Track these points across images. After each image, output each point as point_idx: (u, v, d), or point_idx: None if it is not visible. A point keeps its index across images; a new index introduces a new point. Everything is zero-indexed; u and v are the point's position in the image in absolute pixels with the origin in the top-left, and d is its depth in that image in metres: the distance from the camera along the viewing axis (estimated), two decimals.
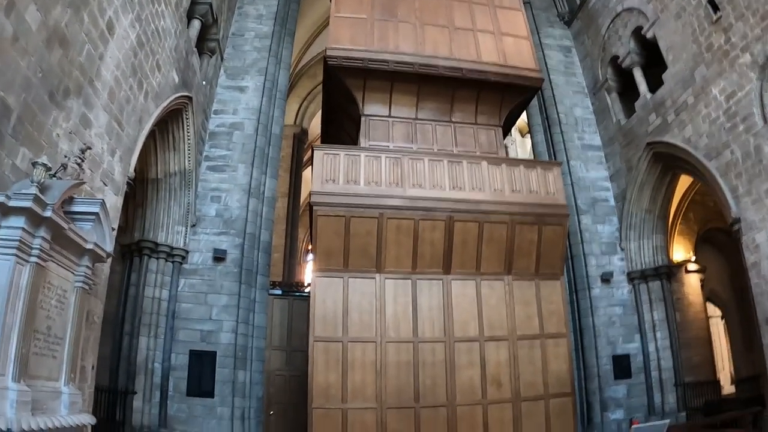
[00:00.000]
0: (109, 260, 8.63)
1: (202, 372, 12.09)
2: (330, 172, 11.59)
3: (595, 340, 13.79)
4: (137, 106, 9.70)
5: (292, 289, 13.85)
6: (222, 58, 14.55)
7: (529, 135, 18.22)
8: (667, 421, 6.99)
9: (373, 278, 11.61)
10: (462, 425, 11.19)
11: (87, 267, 7.01)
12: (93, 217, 7.15)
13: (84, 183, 7.50)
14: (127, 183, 9.76)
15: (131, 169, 9.75)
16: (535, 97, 15.17)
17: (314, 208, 11.35)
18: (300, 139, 21.64)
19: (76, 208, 6.96)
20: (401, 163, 11.87)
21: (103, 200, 7.44)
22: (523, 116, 19.37)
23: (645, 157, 14.12)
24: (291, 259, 19.78)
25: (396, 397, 11.10)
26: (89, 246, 6.87)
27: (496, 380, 11.59)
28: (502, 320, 11.87)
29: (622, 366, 13.74)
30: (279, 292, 13.60)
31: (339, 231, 11.37)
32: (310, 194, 11.59)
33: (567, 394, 11.94)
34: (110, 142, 8.77)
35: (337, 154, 11.78)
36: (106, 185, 8.77)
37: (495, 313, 11.88)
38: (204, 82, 13.29)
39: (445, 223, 11.65)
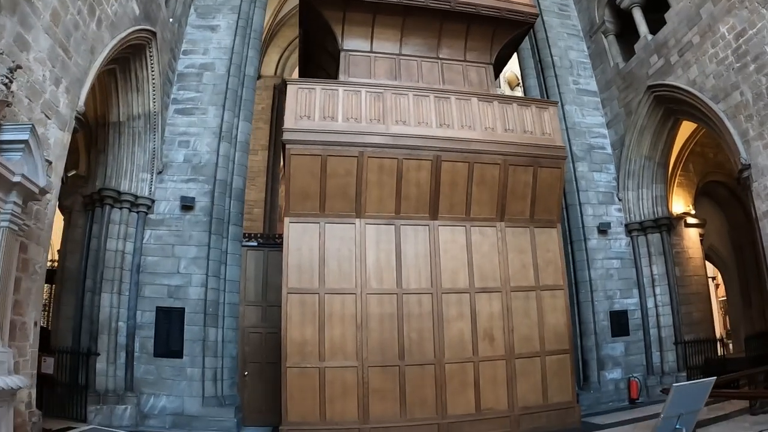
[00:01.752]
0: (52, 202, 7.25)
1: (170, 330, 10.38)
2: (305, 108, 9.84)
3: (591, 295, 12.14)
4: (88, 34, 8.00)
5: (268, 240, 12.08)
6: None
7: (518, 87, 16.50)
8: (713, 378, 5.37)
9: (353, 223, 9.90)
10: (451, 384, 9.63)
11: (15, 204, 5.61)
12: (22, 145, 5.67)
13: (9, 103, 5.78)
14: (77, 118, 8.01)
15: (81, 102, 7.99)
16: (528, 39, 13.49)
17: (287, 146, 9.60)
18: (281, 90, 19.05)
19: (2, 137, 5.55)
20: (383, 98, 10.12)
21: (32, 126, 5.86)
22: (513, 68, 17.75)
23: (645, 100, 12.41)
24: (272, 214, 17.87)
25: (379, 354, 9.50)
26: (16, 179, 5.48)
27: (489, 334, 9.97)
28: (494, 270, 10.24)
29: (619, 322, 12.14)
30: (254, 243, 11.85)
31: (315, 171, 9.63)
32: (282, 131, 9.85)
33: (565, 351, 10.39)
34: (54, 70, 7.16)
35: (313, 89, 9.99)
36: (49, 118, 7.12)
37: (487, 261, 10.24)
38: (171, 20, 11.43)
39: (431, 163, 9.94)
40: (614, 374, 11.94)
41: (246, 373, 11.28)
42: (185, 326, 10.40)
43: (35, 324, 7.12)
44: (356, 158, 9.67)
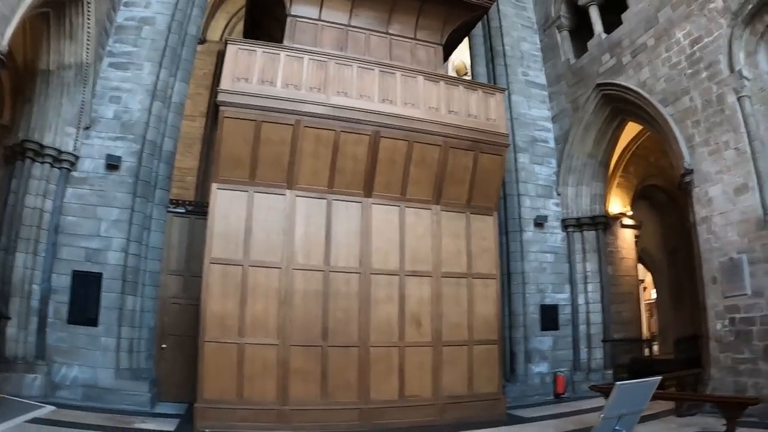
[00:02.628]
0: None
1: (86, 296, 9.41)
2: (244, 70, 9.08)
3: (523, 287, 11.77)
4: None
5: (196, 208, 11.26)
6: None
7: (466, 76, 16.00)
8: (658, 378, 4.93)
9: (284, 194, 9.21)
10: (375, 369, 9.09)
11: None
12: None
13: None
14: (1, 60, 7.10)
15: (4, 42, 7.12)
16: (481, 26, 13.02)
17: (221, 108, 8.85)
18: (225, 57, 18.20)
19: None
20: (327, 67, 9.42)
21: None
22: (462, 56, 17.25)
23: (593, 97, 12.09)
24: (205, 183, 16.32)
25: (302, 333, 8.88)
26: None
27: (416, 319, 9.46)
28: (426, 253, 9.71)
29: (549, 316, 11.82)
30: (181, 210, 11.01)
31: (248, 137, 8.90)
32: (217, 93, 9.08)
33: (493, 341, 9.96)
34: None
35: (254, 51, 9.21)
36: None
37: (419, 244, 9.71)
38: None
39: (370, 138, 9.33)
40: (541, 368, 11.61)
41: (164, 345, 10.48)
42: (102, 293, 9.45)
43: None
44: (292, 126, 8.98)
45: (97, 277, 9.55)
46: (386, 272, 9.41)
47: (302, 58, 9.36)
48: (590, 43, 12.43)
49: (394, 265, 9.47)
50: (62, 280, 9.41)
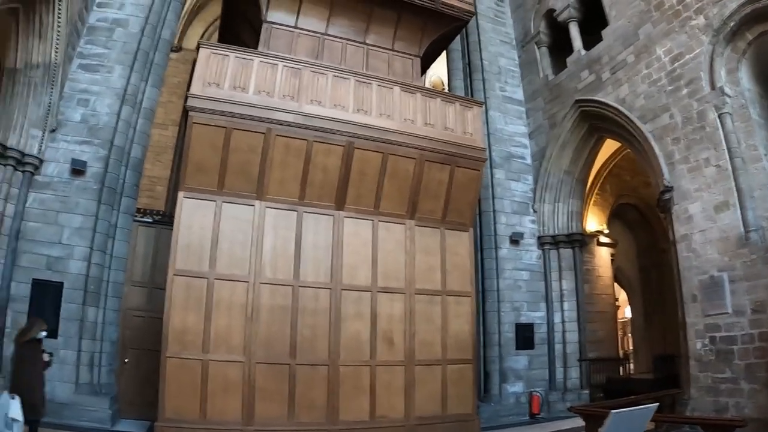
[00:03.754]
0: None
1: (45, 306, 8.64)
2: (215, 75, 8.56)
3: (498, 305, 11.23)
4: None
5: (164, 218, 10.62)
6: None
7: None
8: (655, 405, 4.44)
9: (252, 205, 8.66)
10: (345, 388, 8.54)
11: None
12: None
13: None
14: None
15: None
16: (459, 41, 12.56)
17: (190, 114, 8.32)
18: None
19: None
20: (300, 75, 8.92)
21: None
22: (439, 73, 16.85)
23: (571, 114, 11.69)
24: (175, 193, 15.72)
25: (268, 350, 8.31)
26: None
27: (388, 337, 8.93)
28: (399, 269, 9.20)
29: (525, 335, 11.30)
30: (148, 220, 10.37)
31: (216, 144, 8.35)
32: (186, 98, 8.51)
33: (467, 361, 9.46)
34: None
35: (227, 56, 8.69)
36: None
37: (392, 260, 9.19)
38: None
39: (343, 150, 8.82)
40: (516, 387, 11.08)
41: (126, 360, 9.77)
42: (63, 303, 8.74)
43: None
44: (263, 135, 8.46)
45: (57, 287, 8.82)
46: (357, 288, 8.88)
47: (276, 64, 8.85)
48: (569, 60, 12.07)
49: (366, 281, 8.94)
50: (21, 289, 8.66)
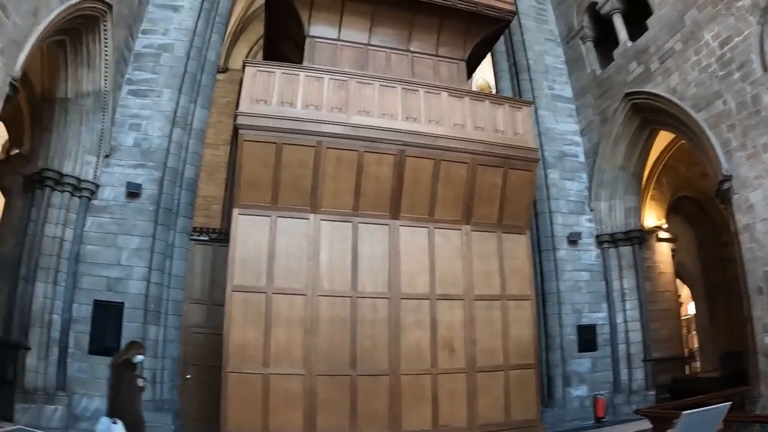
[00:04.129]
0: None
1: (107, 326, 8.83)
2: (262, 92, 8.55)
3: (559, 307, 10.82)
4: None
5: (220, 236, 10.67)
6: None
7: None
8: (727, 404, 4.10)
9: (307, 218, 8.57)
10: (406, 397, 8.31)
11: None
12: None
13: None
14: (12, 85, 6.60)
15: (17, 67, 6.67)
16: (503, 42, 12.27)
17: (240, 131, 8.30)
18: None
19: None
20: (347, 87, 8.83)
21: None
22: (485, 76, 16.58)
23: (622, 108, 11.20)
24: (230, 211, 15.78)
25: (328, 362, 8.17)
26: None
27: (448, 345, 8.68)
28: (457, 276, 8.95)
29: (587, 337, 10.83)
30: (204, 238, 10.43)
31: (268, 160, 8.30)
32: (235, 116, 8.51)
33: (529, 366, 9.11)
34: None
35: (273, 72, 8.68)
36: None
37: (449, 266, 8.95)
38: None
39: (394, 158, 8.66)
40: (580, 391, 10.62)
41: (188, 376, 9.82)
42: (124, 322, 8.87)
43: None
44: (314, 148, 8.36)
45: (118, 307, 8.97)
46: (416, 296, 8.66)
47: (322, 77, 8.78)
48: (616, 52, 11.60)
49: (424, 289, 8.72)
50: (83, 310, 8.85)
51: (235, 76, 16.70)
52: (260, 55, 17.20)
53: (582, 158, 12.14)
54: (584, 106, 12.45)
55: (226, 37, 13.36)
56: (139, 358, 6.73)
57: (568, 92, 12.74)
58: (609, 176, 11.59)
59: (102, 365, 8.67)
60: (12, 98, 6.92)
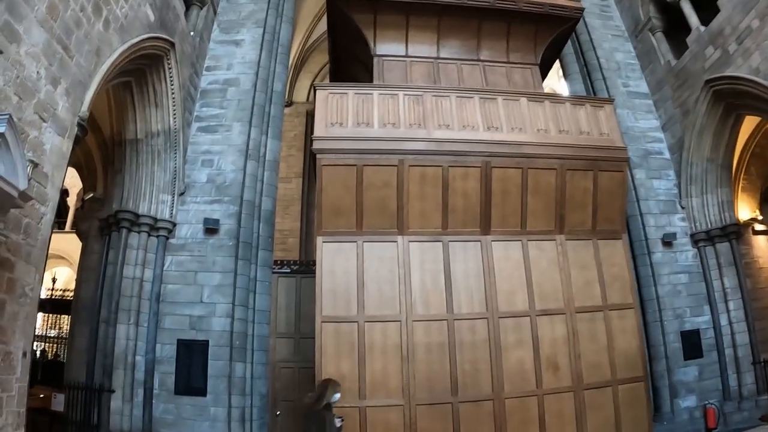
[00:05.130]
0: (48, 216, 5.69)
1: (192, 365, 8.38)
2: (336, 115, 8.04)
3: (659, 314, 9.76)
4: (92, 34, 6.45)
5: (302, 267, 10.16)
6: (215, 12, 10.93)
7: None
8: None
9: (394, 241, 7.95)
10: (512, 422, 7.52)
11: None
12: None
13: None
14: (80, 125, 6.31)
15: (84, 108, 6.37)
16: (570, 43, 11.47)
17: (318, 156, 7.77)
18: (314, 116, 17.15)
19: None
20: (423, 102, 8.23)
21: (9, 115, 4.22)
22: (550, 83, 15.77)
23: (704, 97, 10.19)
24: (307, 244, 15.51)
25: (427, 390, 7.46)
26: None
27: (553, 363, 7.85)
28: (556, 289, 8.15)
29: (691, 343, 9.74)
30: (287, 270, 9.93)
31: (349, 183, 7.76)
32: (312, 141, 8.01)
33: (638, 379, 8.19)
34: (50, 68, 5.63)
35: (345, 93, 8.20)
36: (44, 121, 5.57)
37: (547, 279, 8.15)
38: (192, 33, 9.79)
39: (480, 170, 7.97)
40: (688, 402, 9.54)
41: (278, 412, 9.26)
42: (209, 361, 8.38)
43: (24, 354, 5.40)
44: (396, 167, 7.77)
45: (202, 345, 8.49)
46: (514, 314, 7.89)
47: (396, 94, 8.23)
48: (689, 39, 10.65)
49: (523, 306, 7.95)
50: (167, 350, 8.44)
51: (300, 109, 16.52)
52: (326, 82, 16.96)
53: (667, 155, 11.11)
54: (662, 99, 11.46)
55: (289, 66, 13.01)
56: (337, 396, 6.01)
57: (644, 88, 11.76)
58: (697, 170, 10.51)
59: (188, 405, 8.27)
60: (81, 139, 6.62)
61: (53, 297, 15.01)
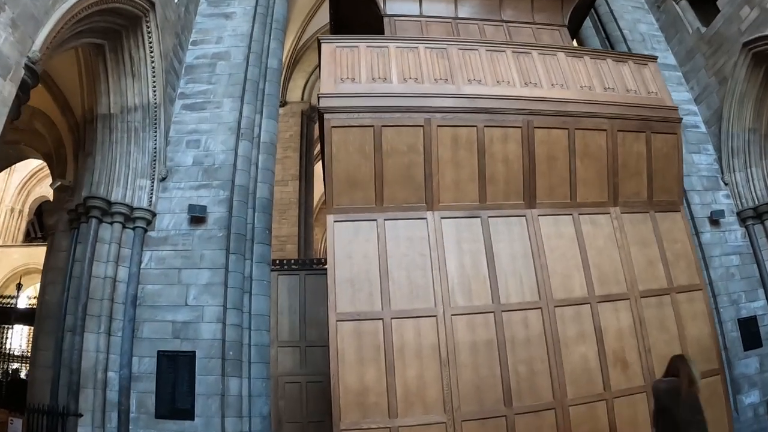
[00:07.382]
0: None
1: (176, 382, 6.22)
2: (347, 69, 6.13)
3: (714, 300, 7.87)
4: None
5: (305, 265, 8.07)
6: None
7: None
8: None
9: (423, 218, 5.98)
10: None
11: None
12: None
13: None
14: (27, 67, 4.40)
15: (36, 47, 4.51)
16: (589, 18, 9.78)
17: (326, 116, 5.81)
18: (309, 116, 15.22)
19: None
20: (448, 55, 6.36)
21: None
22: None
23: (742, 62, 8.50)
24: (306, 250, 13.50)
25: (475, 402, 5.48)
26: None
27: (620, 358, 5.91)
28: (616, 270, 6.23)
29: (750, 332, 7.88)
30: (288, 268, 7.84)
31: (365, 148, 5.80)
32: (318, 99, 6.04)
33: (714, 372, 6.31)
34: None
35: (356, 47, 6.29)
36: None
37: (605, 259, 6.24)
38: (177, 1, 7.81)
39: (521, 131, 6.08)
40: (752, 398, 7.60)
41: None
42: (197, 376, 6.25)
43: None
44: (422, 128, 5.85)
45: (189, 357, 6.35)
46: (572, 302, 5.95)
47: (416, 47, 6.36)
48: (720, 2, 9.02)
49: (581, 291, 6.02)
50: (145, 364, 6.32)
51: (295, 109, 14.65)
52: (318, 84, 15.13)
53: (703, 128, 9.32)
54: (694, 70, 9.70)
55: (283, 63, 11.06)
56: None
57: (671, 60, 9.98)
58: (739, 142, 8.76)
59: (173, 431, 6.08)
60: (30, 87, 4.56)
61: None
